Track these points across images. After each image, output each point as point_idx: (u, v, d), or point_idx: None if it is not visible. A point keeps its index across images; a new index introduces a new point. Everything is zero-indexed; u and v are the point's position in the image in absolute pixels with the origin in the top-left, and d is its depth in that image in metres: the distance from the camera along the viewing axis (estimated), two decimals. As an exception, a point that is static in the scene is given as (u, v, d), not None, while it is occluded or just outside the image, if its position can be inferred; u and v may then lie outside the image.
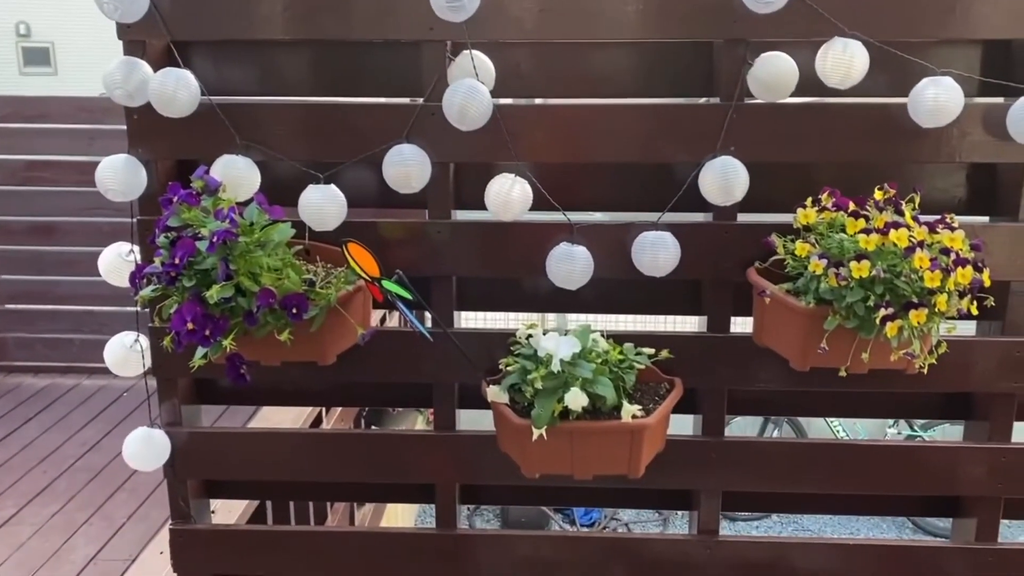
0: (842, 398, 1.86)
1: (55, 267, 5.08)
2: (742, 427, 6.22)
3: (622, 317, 1.89)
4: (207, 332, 1.40)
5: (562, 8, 1.59)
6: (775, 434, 4.85)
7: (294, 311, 1.41)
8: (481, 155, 1.65)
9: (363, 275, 1.48)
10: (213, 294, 1.36)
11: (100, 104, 4.94)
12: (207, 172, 1.51)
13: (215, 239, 1.37)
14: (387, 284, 1.47)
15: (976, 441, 1.77)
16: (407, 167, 1.53)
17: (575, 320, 1.69)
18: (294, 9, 1.60)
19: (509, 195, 1.56)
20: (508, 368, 1.56)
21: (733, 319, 1.74)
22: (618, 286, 1.77)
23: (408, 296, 1.49)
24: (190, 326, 1.39)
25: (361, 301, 1.56)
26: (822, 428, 6.38)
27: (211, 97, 1.60)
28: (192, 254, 1.38)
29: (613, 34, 1.61)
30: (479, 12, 1.46)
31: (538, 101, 1.78)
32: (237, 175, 1.55)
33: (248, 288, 1.40)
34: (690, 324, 1.87)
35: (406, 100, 1.66)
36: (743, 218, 1.68)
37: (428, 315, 1.72)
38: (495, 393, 1.55)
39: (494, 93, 1.56)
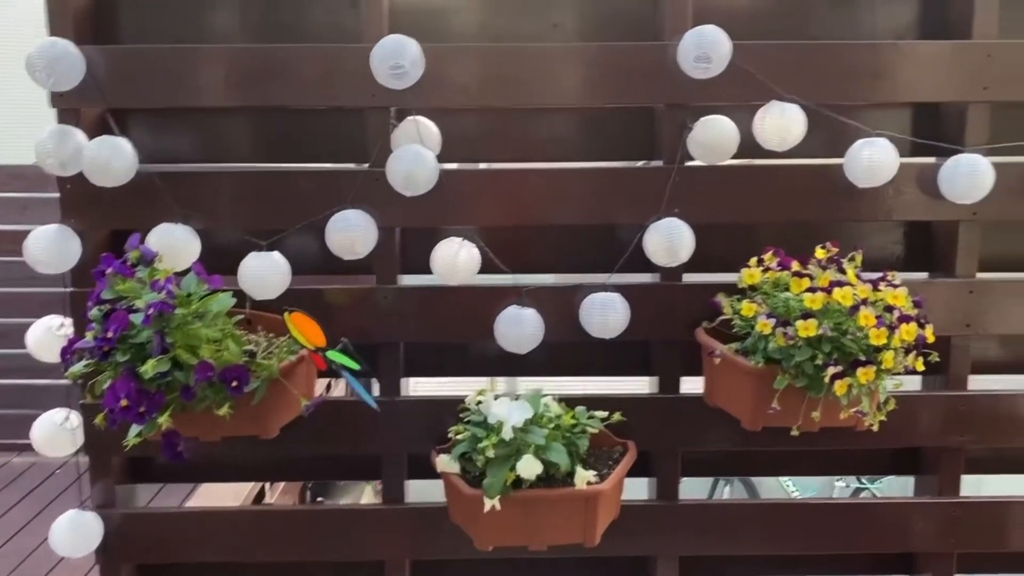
0: (793, 456, 1.85)
1: (-15, 339, 4.87)
2: (691, 485, 6.14)
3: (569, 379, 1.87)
4: (142, 409, 1.33)
5: (506, 76, 1.60)
6: (726, 491, 4.82)
7: (234, 384, 1.36)
8: (427, 220, 1.63)
9: (307, 345, 1.44)
10: (148, 369, 1.30)
11: (34, 172, 4.83)
12: (142, 242, 1.46)
13: (150, 311, 1.32)
14: (332, 354, 1.43)
15: (926, 496, 1.78)
16: (351, 233, 1.51)
17: (527, 383, 1.67)
18: (236, 76, 1.58)
19: (455, 260, 1.54)
20: (458, 436, 1.52)
21: (684, 379, 1.73)
22: (568, 348, 1.75)
23: (355, 366, 1.45)
24: (124, 403, 1.33)
25: (305, 371, 1.51)
26: (773, 484, 6.36)
27: (148, 165, 1.56)
28: (126, 328, 1.33)
29: (557, 101, 1.63)
30: (423, 79, 1.47)
31: (483, 165, 1.79)
32: (175, 244, 1.51)
33: (186, 361, 1.34)
34: (641, 385, 1.85)
35: (351, 165, 1.64)
36: (689, 278, 1.69)
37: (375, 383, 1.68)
38: (445, 463, 1.51)
39: (439, 158, 1.56)
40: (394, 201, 1.54)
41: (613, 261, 1.64)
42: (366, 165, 1.60)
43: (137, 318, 1.33)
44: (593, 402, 1.65)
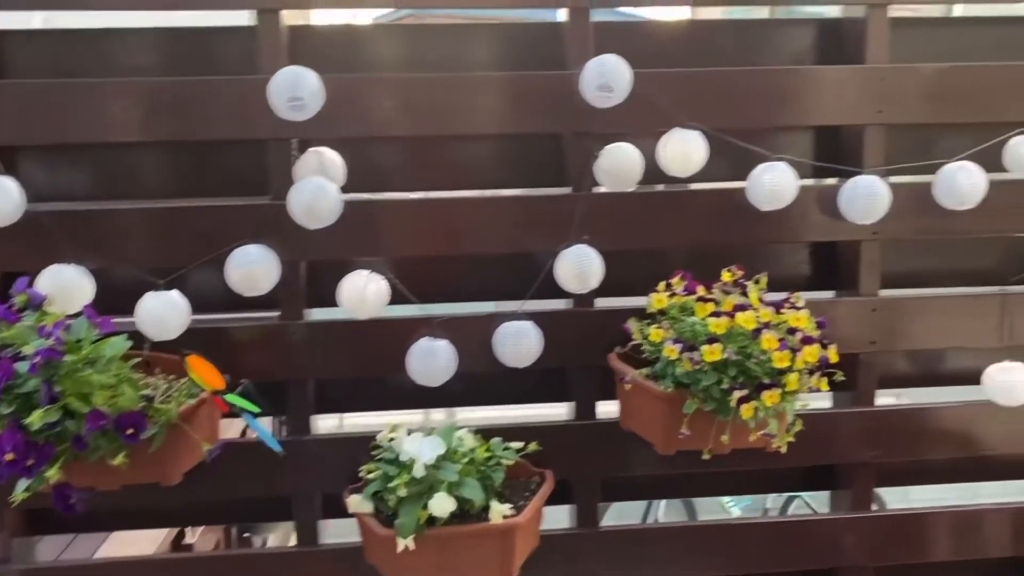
0: (715, 477, 1.85)
1: None
2: (627, 506, 6.08)
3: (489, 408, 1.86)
4: (30, 462, 1.27)
5: (414, 105, 1.59)
6: (661, 509, 4.83)
7: (129, 432, 1.30)
8: (335, 252, 1.60)
9: (206, 388, 1.39)
10: (34, 420, 1.23)
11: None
12: (31, 285, 1.40)
13: (37, 359, 1.26)
14: (231, 397, 1.38)
15: (841, 511, 1.80)
16: (252, 268, 1.46)
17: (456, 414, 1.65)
18: (132, 111, 1.53)
19: (364, 293, 1.51)
20: (370, 475, 1.49)
21: (605, 403, 1.73)
22: (487, 378, 1.73)
23: (255, 409, 1.40)
24: (10, 456, 1.26)
25: (207, 414, 1.46)
26: (710, 499, 6.39)
27: (39, 204, 1.50)
28: (11, 377, 1.26)
29: (466, 129, 1.63)
30: (331, 109, 1.44)
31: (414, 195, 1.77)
32: (66, 286, 1.44)
33: (77, 410, 1.28)
34: (561, 412, 1.84)
35: (253, 199, 1.60)
36: (603, 303, 1.70)
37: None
38: (357, 503, 1.47)
39: (349, 188, 1.53)
40: (299, 234, 1.50)
41: (528, 288, 1.63)
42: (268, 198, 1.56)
43: (23, 366, 1.27)
44: (511, 431, 1.63)
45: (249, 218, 1.54)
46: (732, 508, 5.21)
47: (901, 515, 1.80)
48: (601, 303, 1.69)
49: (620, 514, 4.59)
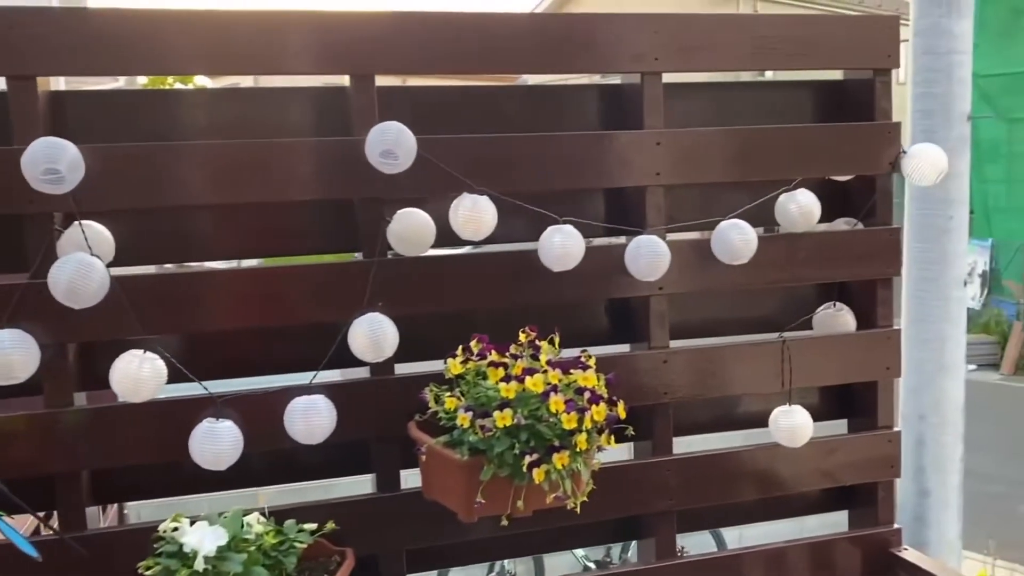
0: (525, 538, 1.84)
1: None
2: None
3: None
4: None
5: (194, 172, 1.52)
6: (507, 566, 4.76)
7: None
8: (110, 331, 1.49)
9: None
10: None
11: None
12: None
13: None
14: (-26, 503, 1.25)
15: (646, 561, 1.84)
16: (5, 355, 1.34)
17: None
18: None
19: (138, 375, 1.41)
20: (148, 572, 1.38)
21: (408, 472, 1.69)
22: (289, 453, 1.66)
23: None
24: None
25: (-43, 520, 1.31)
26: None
27: None
28: None
29: (255, 196, 1.57)
30: (102, 179, 1.36)
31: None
32: None
33: None
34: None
35: (9, 278, 1.48)
36: (404, 369, 1.67)
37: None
38: (134, 604, 1.36)
39: (134, 260, 1.44)
40: (68, 314, 1.39)
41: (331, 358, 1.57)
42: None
43: None
44: (308, 511, 1.56)
45: (3, 299, 1.41)
46: (576, 549, 5.25)
47: (706, 560, 1.85)
48: (402, 369, 1.66)
49: (466, 569, 4.51)
